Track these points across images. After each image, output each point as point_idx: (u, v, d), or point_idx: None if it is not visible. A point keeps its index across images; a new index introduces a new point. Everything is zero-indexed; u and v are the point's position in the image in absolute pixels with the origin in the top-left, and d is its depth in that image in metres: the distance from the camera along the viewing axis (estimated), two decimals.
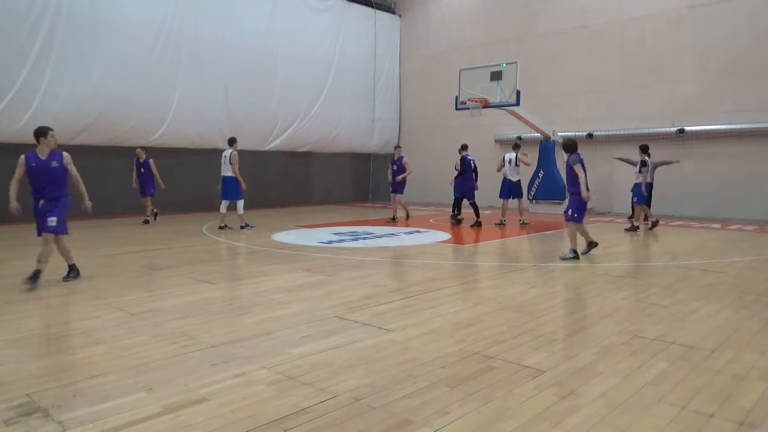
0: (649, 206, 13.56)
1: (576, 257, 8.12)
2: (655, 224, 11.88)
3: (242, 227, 11.66)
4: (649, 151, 12.21)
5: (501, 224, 13.02)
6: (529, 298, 5.80)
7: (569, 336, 4.45)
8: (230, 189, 11.56)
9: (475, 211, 12.93)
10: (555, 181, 15.78)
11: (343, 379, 3.52)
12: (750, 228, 12.19)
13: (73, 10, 13.12)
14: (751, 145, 13.77)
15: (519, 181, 13.19)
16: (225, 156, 11.65)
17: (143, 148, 13.17)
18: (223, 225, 11.67)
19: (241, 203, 11.71)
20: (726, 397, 3.29)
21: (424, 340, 4.34)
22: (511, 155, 13.11)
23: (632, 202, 11.95)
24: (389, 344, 4.25)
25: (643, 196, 11.69)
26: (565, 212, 8.46)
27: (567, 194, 8.61)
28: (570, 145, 8.40)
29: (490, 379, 3.53)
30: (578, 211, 8.23)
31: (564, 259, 8.08)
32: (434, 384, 3.45)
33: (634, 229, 11.76)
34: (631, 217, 12.28)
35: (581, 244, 8.45)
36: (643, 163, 11.66)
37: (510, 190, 13.18)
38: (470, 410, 3.09)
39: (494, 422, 2.95)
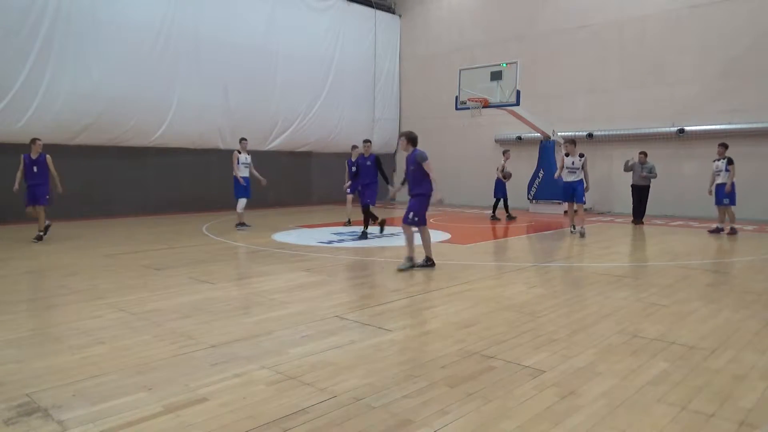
0: (643, 208, 13.32)
1: (432, 264, 7.36)
2: (733, 231, 11.01)
3: (237, 225, 11.83)
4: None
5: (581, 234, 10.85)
6: (529, 298, 5.80)
7: (569, 336, 4.45)
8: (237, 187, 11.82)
9: (370, 218, 10.55)
10: (555, 181, 15.76)
11: (343, 379, 3.52)
12: (750, 228, 12.18)
13: (73, 10, 13.13)
14: (751, 145, 13.77)
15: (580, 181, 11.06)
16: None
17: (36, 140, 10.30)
18: (240, 223, 11.90)
19: (240, 202, 11.80)
20: (726, 397, 3.29)
21: (424, 340, 4.34)
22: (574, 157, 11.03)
23: (721, 204, 11.07)
24: (389, 344, 4.25)
25: (733, 196, 10.95)
26: (406, 215, 7.38)
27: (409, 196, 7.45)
28: (416, 139, 7.41)
29: (490, 379, 3.53)
30: (422, 214, 7.39)
31: (402, 270, 7.16)
32: (434, 384, 3.45)
33: (717, 231, 11.11)
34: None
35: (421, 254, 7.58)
36: (730, 161, 10.92)
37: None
38: (470, 410, 3.09)
39: (494, 422, 2.95)
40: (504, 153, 14.69)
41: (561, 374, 3.62)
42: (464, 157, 19.62)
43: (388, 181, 10.77)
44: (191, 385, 3.42)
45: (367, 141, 11.04)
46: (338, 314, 5.10)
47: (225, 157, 16.89)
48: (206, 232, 11.38)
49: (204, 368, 3.73)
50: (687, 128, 14.61)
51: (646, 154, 13.29)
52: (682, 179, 14.76)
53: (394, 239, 10.66)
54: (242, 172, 11.71)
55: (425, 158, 7.21)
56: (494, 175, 14.58)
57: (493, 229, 12.64)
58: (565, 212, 14.02)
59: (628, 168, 13.50)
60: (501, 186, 14.28)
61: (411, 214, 7.33)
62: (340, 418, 2.97)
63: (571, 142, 11.35)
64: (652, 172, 13.06)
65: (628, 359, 3.92)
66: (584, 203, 11.07)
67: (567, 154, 11.14)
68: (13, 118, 12.50)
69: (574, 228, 11.08)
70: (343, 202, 13.54)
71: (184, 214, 15.11)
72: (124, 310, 5.22)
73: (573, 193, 11.00)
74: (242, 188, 11.70)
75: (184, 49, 15.17)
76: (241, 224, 11.76)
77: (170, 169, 15.72)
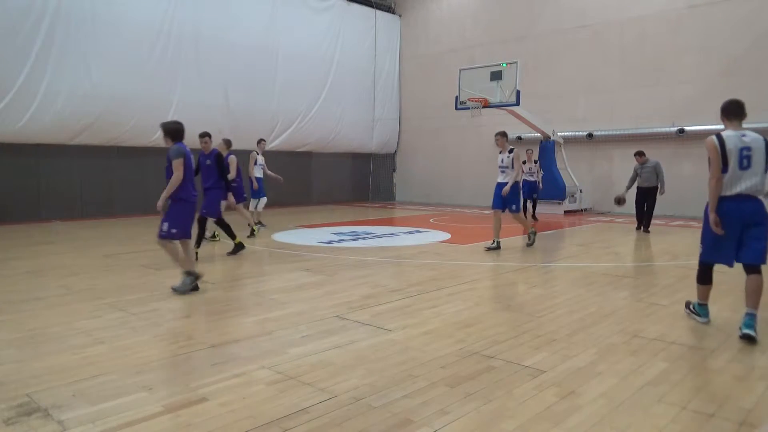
0: (649, 215, 11.63)
1: (194, 287, 5.93)
2: None
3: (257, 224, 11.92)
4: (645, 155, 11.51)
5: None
6: (529, 298, 5.80)
7: (569, 336, 4.45)
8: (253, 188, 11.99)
9: (228, 233, 8.56)
10: (555, 181, 15.80)
11: (343, 379, 3.52)
12: None
13: (73, 10, 13.14)
14: None
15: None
16: None
17: None
18: (258, 222, 11.96)
19: (255, 201, 12.01)
20: (726, 397, 3.29)
21: (424, 340, 4.34)
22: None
23: None
24: (389, 344, 4.25)
25: None
26: (160, 228, 5.96)
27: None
28: (175, 131, 6.02)
29: (490, 379, 3.53)
30: (178, 224, 5.95)
31: (176, 290, 5.88)
32: (434, 384, 3.45)
33: None
34: None
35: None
36: None
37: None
38: (470, 410, 3.09)
39: (494, 422, 2.95)
40: (527, 152, 13.67)
41: (561, 374, 3.62)
42: (464, 157, 19.63)
43: (227, 184, 8.70)
44: (191, 385, 3.42)
45: (204, 135, 8.43)
46: (338, 314, 5.10)
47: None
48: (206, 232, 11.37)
49: (204, 368, 3.73)
50: (687, 128, 14.61)
51: (643, 154, 11.69)
52: (682, 179, 14.74)
53: (394, 239, 10.66)
54: (258, 173, 11.86)
55: (174, 155, 5.90)
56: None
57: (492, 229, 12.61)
58: (533, 216, 13.44)
59: (621, 200, 11.58)
60: (531, 187, 13.46)
61: (166, 226, 5.89)
62: (340, 418, 2.97)
63: (501, 134, 9.16)
64: (659, 176, 11.42)
65: (628, 359, 3.92)
66: (518, 212, 9.29)
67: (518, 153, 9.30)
68: (13, 118, 12.51)
69: (495, 242, 9.10)
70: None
71: None
72: (124, 310, 5.22)
73: (503, 199, 9.01)
74: (258, 188, 11.85)
75: (184, 49, 15.18)
76: (259, 223, 11.91)
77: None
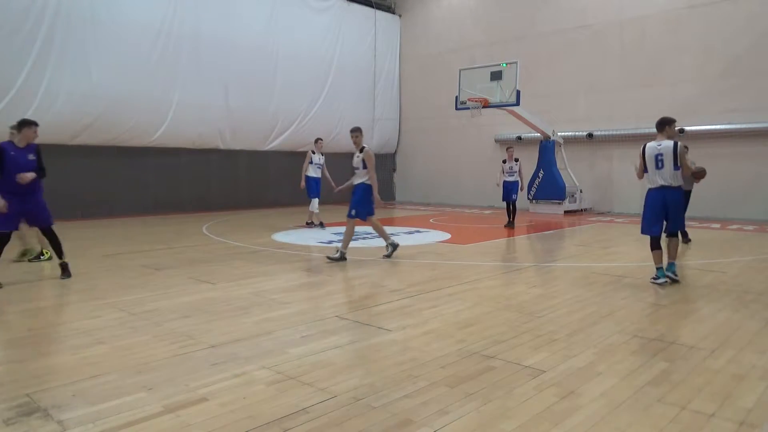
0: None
1: None
2: None
3: (307, 223, 12.19)
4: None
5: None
6: (529, 298, 5.80)
7: (569, 336, 4.45)
8: (307, 187, 12.17)
9: (55, 247, 6.93)
10: (555, 180, 15.81)
11: (343, 379, 3.52)
12: (750, 228, 12.18)
13: (73, 11, 13.13)
14: (751, 145, 13.78)
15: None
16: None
17: None
18: (310, 221, 12.23)
19: (314, 201, 12.16)
20: (726, 397, 3.29)
21: (424, 340, 4.34)
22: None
23: None
24: (389, 344, 4.25)
25: None
26: None
27: None
28: None
29: (490, 379, 3.53)
30: None
31: None
32: (434, 384, 3.45)
33: None
34: None
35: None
36: None
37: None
38: (470, 410, 3.09)
39: (494, 422, 2.95)
40: (507, 149, 13.26)
41: (561, 374, 3.62)
42: (464, 157, 19.63)
43: (41, 177, 6.65)
44: (191, 385, 3.42)
45: (30, 123, 6.59)
46: (338, 314, 5.10)
47: (225, 157, 16.94)
48: (206, 232, 11.38)
49: (204, 368, 3.73)
50: (687, 128, 14.60)
51: (686, 147, 9.82)
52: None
53: (394, 239, 10.64)
54: (314, 173, 12.08)
55: None
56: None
57: (493, 229, 12.62)
58: (510, 222, 12.65)
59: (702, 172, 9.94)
60: (510, 189, 12.89)
61: None
62: (340, 418, 2.97)
63: (354, 130, 8.46)
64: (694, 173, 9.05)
65: (628, 359, 3.92)
66: (352, 217, 8.02)
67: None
68: (13, 118, 12.40)
69: (339, 252, 7.91)
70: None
71: (184, 214, 15.10)
72: (124, 310, 5.22)
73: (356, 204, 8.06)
74: (312, 188, 12.06)
75: (184, 49, 15.16)
76: (311, 223, 12.11)
77: (170, 169, 15.71)
